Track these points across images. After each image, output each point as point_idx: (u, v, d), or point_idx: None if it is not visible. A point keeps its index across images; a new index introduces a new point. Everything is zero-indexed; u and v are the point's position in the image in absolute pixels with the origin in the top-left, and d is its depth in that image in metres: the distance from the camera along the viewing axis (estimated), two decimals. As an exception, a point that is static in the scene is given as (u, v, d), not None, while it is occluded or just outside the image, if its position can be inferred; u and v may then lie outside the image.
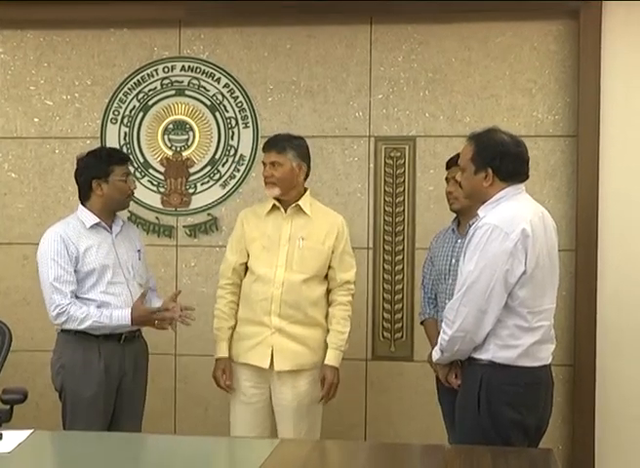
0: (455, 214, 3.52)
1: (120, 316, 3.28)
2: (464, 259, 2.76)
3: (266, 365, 3.36)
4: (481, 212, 2.81)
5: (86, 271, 3.33)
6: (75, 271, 3.32)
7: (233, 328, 3.47)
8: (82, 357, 3.32)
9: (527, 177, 2.85)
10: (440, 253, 3.48)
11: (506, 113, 4.07)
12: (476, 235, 2.73)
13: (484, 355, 2.74)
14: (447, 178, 3.51)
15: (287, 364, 3.36)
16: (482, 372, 2.74)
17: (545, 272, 2.76)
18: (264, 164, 3.44)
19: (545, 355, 2.79)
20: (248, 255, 3.45)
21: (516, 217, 2.72)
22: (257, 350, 3.38)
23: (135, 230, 3.67)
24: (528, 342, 2.72)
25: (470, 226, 2.90)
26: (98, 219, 3.40)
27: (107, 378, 3.32)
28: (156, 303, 3.47)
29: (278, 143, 3.41)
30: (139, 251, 3.52)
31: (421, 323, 3.64)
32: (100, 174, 3.37)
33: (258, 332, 3.38)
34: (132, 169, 3.88)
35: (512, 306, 2.71)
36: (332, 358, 3.40)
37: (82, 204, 3.44)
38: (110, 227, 3.45)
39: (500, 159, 2.78)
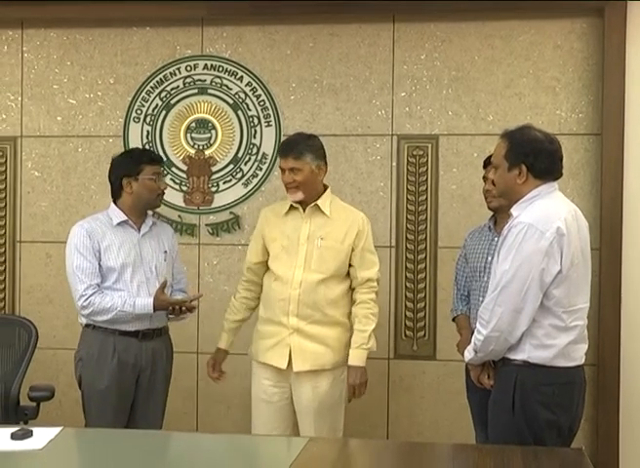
0: (492, 213, 3.49)
1: (143, 304, 3.36)
2: (499, 259, 2.74)
3: (284, 365, 3.34)
4: (514, 210, 2.78)
5: (106, 268, 3.38)
6: (99, 266, 3.38)
7: (240, 321, 3.52)
8: (97, 350, 3.38)
9: (560, 175, 2.83)
10: (475, 251, 3.46)
11: (530, 111, 4.05)
12: (511, 234, 2.70)
13: (519, 355, 2.72)
14: (484, 177, 3.49)
15: (306, 364, 3.34)
16: (517, 373, 2.72)
17: (580, 271, 2.74)
18: (282, 170, 3.37)
19: (580, 355, 2.77)
20: (268, 255, 3.44)
21: (551, 216, 2.70)
22: (275, 350, 3.37)
23: (167, 232, 3.64)
24: (564, 342, 2.70)
25: None
26: (125, 217, 3.45)
27: (121, 373, 3.37)
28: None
29: (295, 149, 3.33)
30: (165, 252, 3.53)
31: (453, 319, 3.61)
32: (130, 172, 3.42)
33: (276, 332, 3.37)
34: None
35: (548, 306, 2.69)
36: (354, 358, 3.37)
37: (114, 202, 3.49)
38: (139, 227, 3.48)
39: (533, 155, 2.76)
